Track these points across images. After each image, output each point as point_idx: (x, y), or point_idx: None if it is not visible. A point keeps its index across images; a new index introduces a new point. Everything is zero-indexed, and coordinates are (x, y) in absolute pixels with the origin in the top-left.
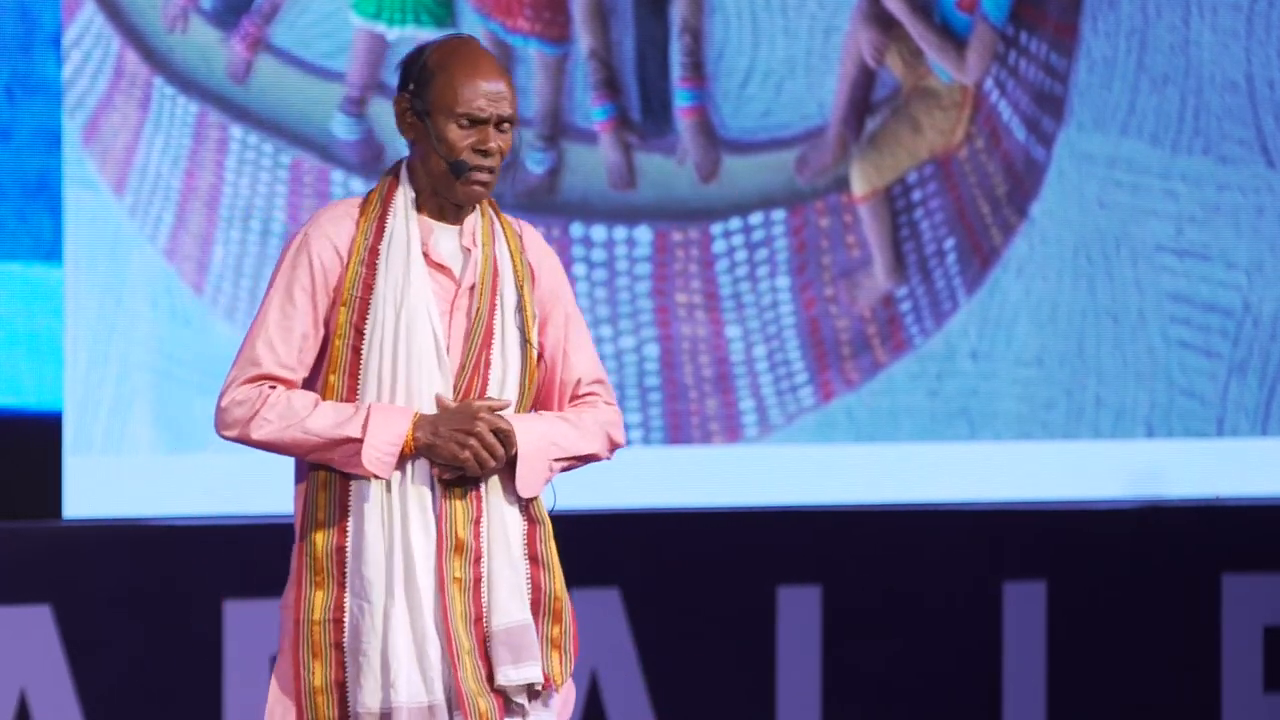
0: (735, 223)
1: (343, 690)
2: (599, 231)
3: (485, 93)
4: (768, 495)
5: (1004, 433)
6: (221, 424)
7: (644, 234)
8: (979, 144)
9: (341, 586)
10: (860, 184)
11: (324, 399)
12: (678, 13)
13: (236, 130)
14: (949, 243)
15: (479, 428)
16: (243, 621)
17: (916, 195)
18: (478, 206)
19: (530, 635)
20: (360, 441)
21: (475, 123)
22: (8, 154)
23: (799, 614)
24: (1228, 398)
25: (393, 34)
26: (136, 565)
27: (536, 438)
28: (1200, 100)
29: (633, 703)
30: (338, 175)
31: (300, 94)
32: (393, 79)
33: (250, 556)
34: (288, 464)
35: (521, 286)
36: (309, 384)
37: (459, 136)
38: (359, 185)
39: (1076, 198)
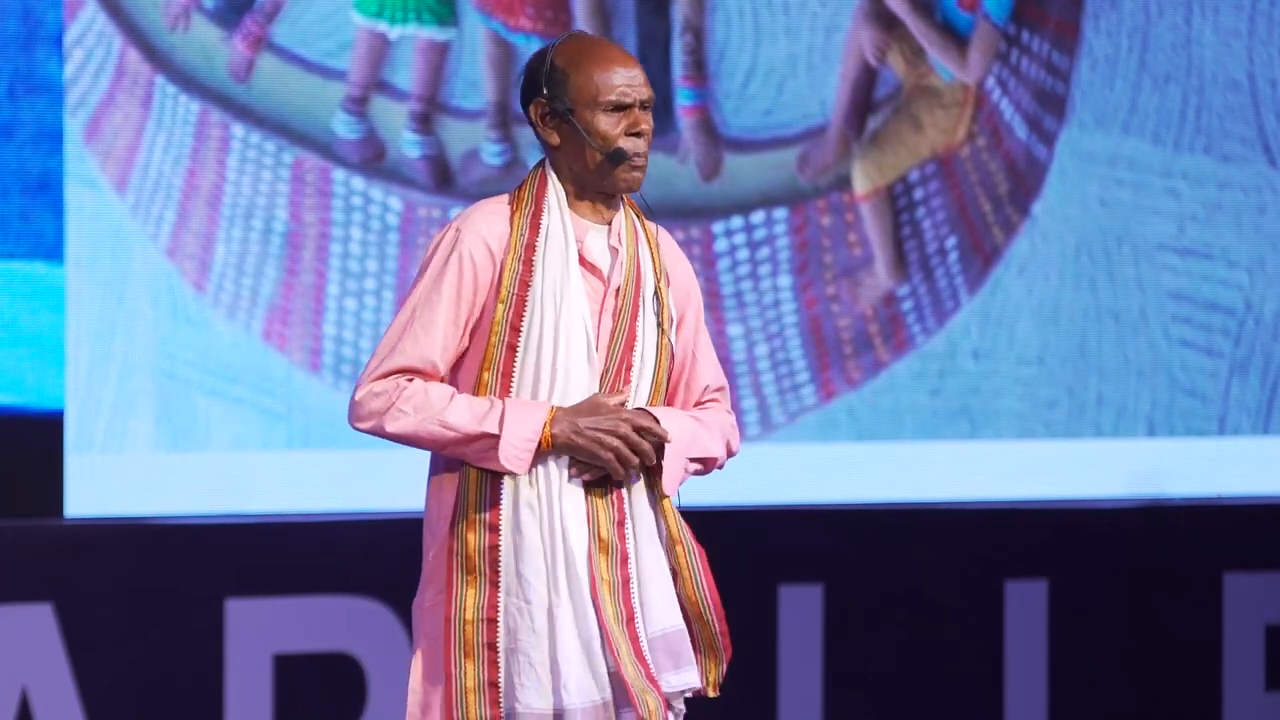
0: (737, 221)
1: (496, 690)
2: None
3: (626, 78)
4: (769, 494)
5: (1006, 431)
6: (355, 416)
7: None
8: (981, 142)
9: (495, 585)
10: (862, 182)
11: (477, 396)
12: (679, 11)
13: (238, 129)
14: (951, 241)
15: (623, 428)
16: (244, 620)
17: (918, 194)
18: (623, 206)
19: (686, 640)
20: (497, 438)
21: (622, 109)
22: (10, 153)
23: (800, 613)
24: (1229, 396)
25: (394, 33)
26: (138, 564)
27: (678, 431)
28: (1202, 99)
29: None
30: (339, 174)
31: (302, 93)
32: (394, 77)
33: (252, 555)
34: (287, 463)
35: (660, 288)
36: (457, 382)
37: (610, 124)
38: (360, 184)
39: (1078, 196)
